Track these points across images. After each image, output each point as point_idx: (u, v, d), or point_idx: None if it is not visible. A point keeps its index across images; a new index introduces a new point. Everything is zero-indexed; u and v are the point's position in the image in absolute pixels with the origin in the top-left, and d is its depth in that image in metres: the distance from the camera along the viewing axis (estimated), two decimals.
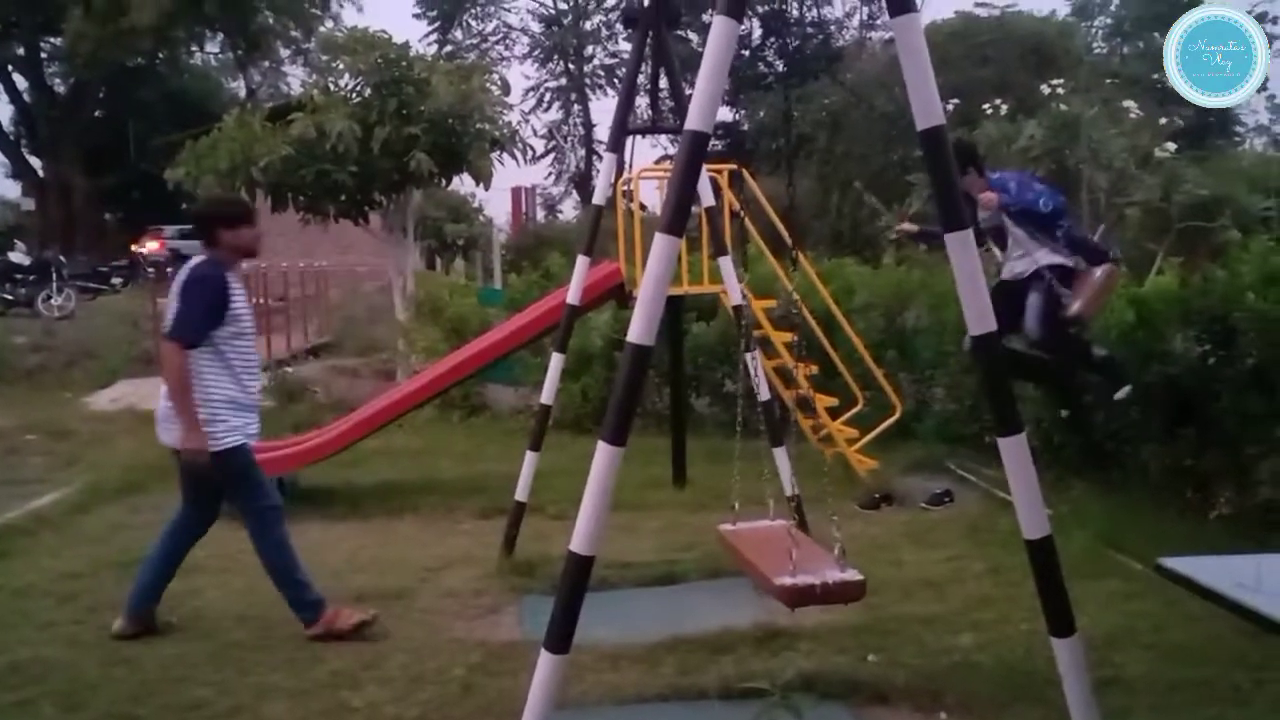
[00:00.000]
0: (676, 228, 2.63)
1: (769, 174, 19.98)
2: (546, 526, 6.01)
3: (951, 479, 7.41)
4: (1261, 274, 5.69)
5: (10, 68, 31.01)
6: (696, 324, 9.56)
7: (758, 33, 32.95)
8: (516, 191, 28.49)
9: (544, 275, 11.33)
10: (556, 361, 5.65)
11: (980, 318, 2.63)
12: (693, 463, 7.48)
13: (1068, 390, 6.26)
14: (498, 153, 12.54)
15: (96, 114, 33.01)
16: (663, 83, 6.04)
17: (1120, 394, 5.73)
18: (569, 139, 40.93)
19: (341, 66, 12.23)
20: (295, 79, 34.45)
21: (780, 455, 5.23)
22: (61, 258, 21.54)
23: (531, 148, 17.82)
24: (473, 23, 40.96)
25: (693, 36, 29.05)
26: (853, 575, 3.12)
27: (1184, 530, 5.60)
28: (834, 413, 7.48)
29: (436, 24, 39.78)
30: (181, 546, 4.74)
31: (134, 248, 27.21)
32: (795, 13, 33.27)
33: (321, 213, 12.28)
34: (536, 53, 40.50)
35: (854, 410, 7.66)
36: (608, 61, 39.48)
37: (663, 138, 19.23)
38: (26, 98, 31.84)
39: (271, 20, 31.92)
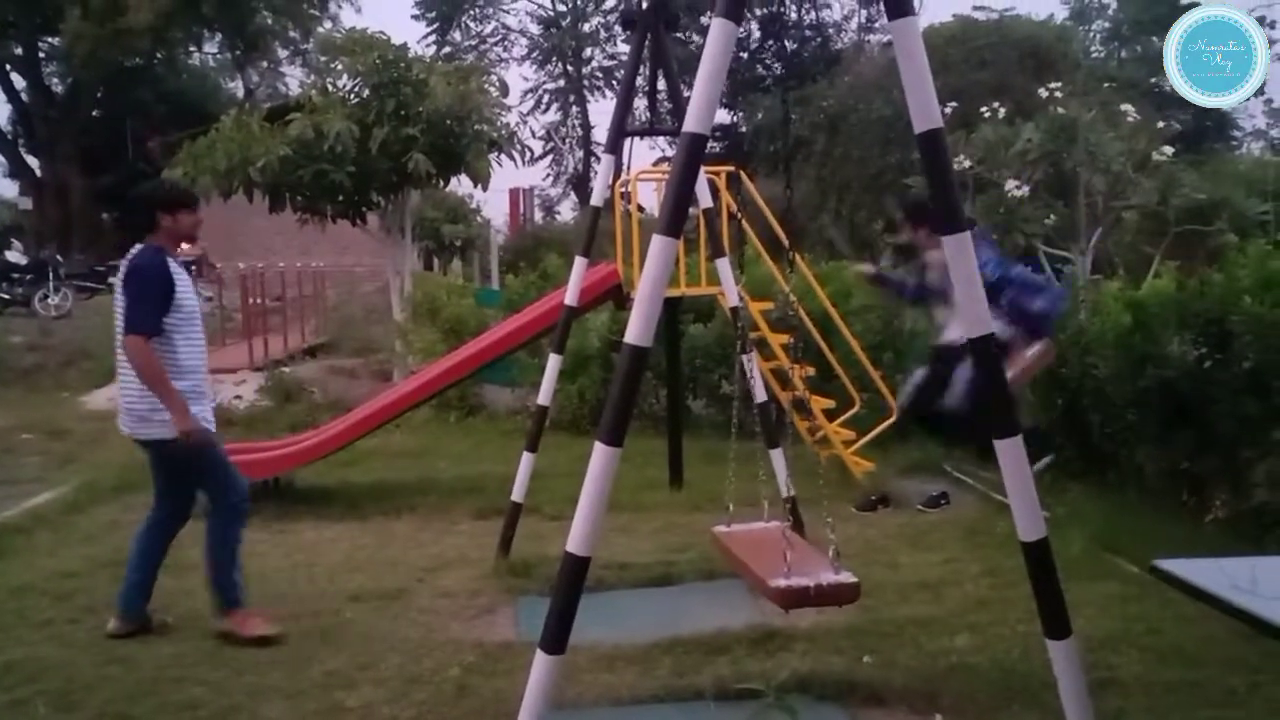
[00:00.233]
0: (674, 229, 2.63)
1: (767, 176, 20.01)
2: (543, 527, 6.03)
3: (948, 481, 7.42)
4: (1258, 278, 5.70)
5: (8, 67, 30.92)
6: (694, 325, 9.58)
7: (756, 35, 33.00)
8: (514, 193, 28.45)
9: (541, 276, 11.30)
10: (554, 362, 5.65)
11: (976, 320, 2.63)
12: (689, 464, 7.47)
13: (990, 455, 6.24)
14: (496, 154, 12.58)
15: (94, 114, 32.94)
16: (661, 85, 6.04)
17: (1039, 465, 5.61)
18: (567, 140, 40.95)
19: (340, 67, 12.25)
20: (293, 80, 34.57)
21: (776, 457, 5.24)
22: (58, 257, 21.55)
23: (529, 149, 17.81)
24: (471, 24, 40.91)
25: (694, 39, 29.08)
26: (847, 577, 3.11)
27: (1180, 533, 5.61)
28: (831, 414, 7.49)
29: (435, 25, 39.72)
30: (159, 542, 4.73)
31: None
32: (794, 15, 33.34)
33: (319, 213, 12.30)
34: (535, 54, 40.50)
35: (851, 412, 7.67)
36: (606, 63, 39.53)
37: (661, 139, 19.19)
38: (24, 97, 31.74)
39: (270, 21, 31.88)
